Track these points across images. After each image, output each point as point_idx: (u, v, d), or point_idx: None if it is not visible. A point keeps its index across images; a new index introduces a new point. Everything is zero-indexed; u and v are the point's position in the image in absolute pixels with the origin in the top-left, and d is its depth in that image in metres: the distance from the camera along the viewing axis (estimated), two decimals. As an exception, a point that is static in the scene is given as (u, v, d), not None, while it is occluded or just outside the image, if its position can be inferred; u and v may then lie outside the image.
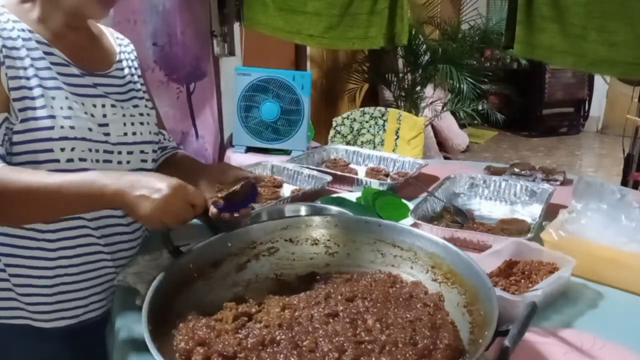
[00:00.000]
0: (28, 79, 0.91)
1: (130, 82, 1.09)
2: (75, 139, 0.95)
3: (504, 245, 1.08)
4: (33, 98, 0.91)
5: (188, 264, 0.88)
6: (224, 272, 0.92)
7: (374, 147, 2.49)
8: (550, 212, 1.27)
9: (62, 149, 0.93)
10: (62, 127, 0.93)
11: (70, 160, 0.95)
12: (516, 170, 1.64)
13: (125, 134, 1.04)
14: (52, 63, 0.95)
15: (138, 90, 1.09)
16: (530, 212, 1.39)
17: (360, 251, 0.98)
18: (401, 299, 0.83)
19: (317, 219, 1.02)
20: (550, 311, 0.95)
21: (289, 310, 0.81)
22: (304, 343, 0.72)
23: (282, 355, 0.70)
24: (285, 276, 0.96)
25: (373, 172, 1.67)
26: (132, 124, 1.06)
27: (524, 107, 5.42)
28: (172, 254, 0.89)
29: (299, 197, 1.40)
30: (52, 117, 0.92)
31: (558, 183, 1.58)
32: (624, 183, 2.84)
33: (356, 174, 1.67)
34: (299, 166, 1.60)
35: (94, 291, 1.06)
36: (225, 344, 0.72)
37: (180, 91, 2.63)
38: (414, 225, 1.25)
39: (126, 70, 1.09)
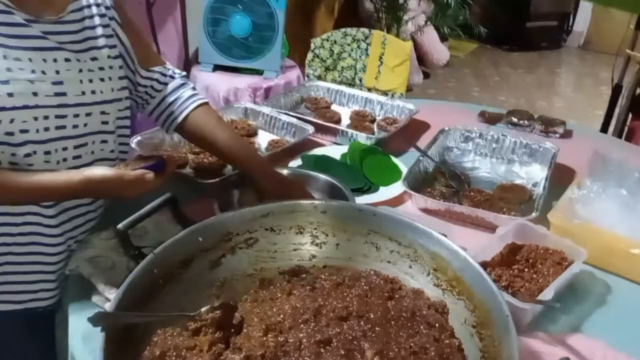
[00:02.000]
0: None
1: (86, 27, 0.88)
2: (13, 108, 0.77)
3: (505, 229, 0.97)
4: None
5: (151, 269, 0.74)
6: (195, 272, 0.79)
7: (355, 74, 2.30)
8: (554, 178, 1.16)
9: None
10: None
11: (9, 134, 0.78)
12: (514, 119, 1.50)
13: (84, 92, 0.85)
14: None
15: (97, 38, 0.89)
16: (529, 175, 1.27)
17: (352, 242, 0.86)
18: (402, 318, 0.72)
19: (303, 204, 0.88)
20: (558, 310, 0.87)
21: (272, 333, 0.70)
22: None
23: None
24: (266, 271, 0.84)
25: (358, 118, 1.51)
26: (91, 80, 0.87)
27: (508, 20, 5.17)
28: (132, 259, 0.75)
29: (278, 154, 1.25)
30: None
31: (557, 135, 1.46)
32: (609, 116, 2.74)
33: (339, 119, 1.51)
34: (276, 111, 1.42)
35: (45, 277, 0.93)
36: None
37: (139, 2, 2.34)
38: (405, 194, 1.14)
39: (85, 12, 0.88)
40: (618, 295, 0.91)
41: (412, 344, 0.68)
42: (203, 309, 0.71)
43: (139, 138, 1.22)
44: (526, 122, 1.49)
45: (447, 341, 0.69)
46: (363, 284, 0.78)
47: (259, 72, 2.53)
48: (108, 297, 0.83)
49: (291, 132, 1.38)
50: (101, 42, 0.90)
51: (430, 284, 0.79)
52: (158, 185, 0.87)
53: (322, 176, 1.08)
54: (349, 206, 0.89)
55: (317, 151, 1.29)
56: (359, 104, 1.59)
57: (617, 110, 2.68)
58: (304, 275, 0.83)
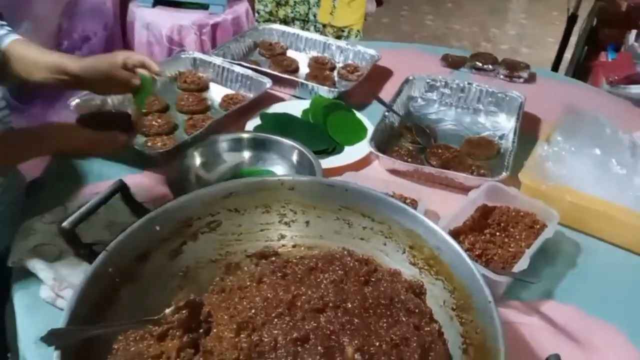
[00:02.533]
0: None
1: None
2: None
3: (477, 191, 0.94)
4: None
5: (106, 269, 0.67)
6: (154, 266, 0.72)
7: (309, 9, 2.15)
8: (520, 128, 1.13)
9: None
10: None
11: None
12: (477, 64, 1.45)
13: None
14: None
15: None
16: (496, 125, 1.24)
17: (323, 219, 0.81)
18: (381, 306, 0.68)
19: (268, 182, 0.81)
20: (530, 276, 0.86)
21: (244, 332, 0.65)
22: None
23: None
24: (232, 255, 0.79)
25: (317, 65, 1.42)
26: None
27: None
28: (82, 258, 0.68)
29: (235, 112, 1.15)
30: None
31: (522, 80, 1.42)
32: (562, 49, 2.72)
33: (297, 67, 1.41)
34: (229, 62, 1.31)
35: None
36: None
37: None
38: (372, 155, 1.08)
39: None
40: (590, 256, 0.91)
41: (392, 336, 0.64)
42: (167, 311, 0.65)
43: (77, 100, 1.09)
44: (490, 66, 1.44)
45: (428, 328, 0.67)
46: (337, 267, 0.74)
47: (203, 7, 2.36)
48: (59, 294, 0.76)
49: (246, 85, 1.28)
50: None
51: (406, 262, 0.76)
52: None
53: (286, 141, 1.00)
54: (319, 182, 0.82)
55: (277, 108, 1.20)
56: (317, 49, 1.49)
57: (572, 40, 2.67)
58: (273, 258, 0.78)
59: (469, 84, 1.29)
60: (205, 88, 1.29)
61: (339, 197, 0.80)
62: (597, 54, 2.11)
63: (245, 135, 1.03)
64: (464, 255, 0.69)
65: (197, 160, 0.97)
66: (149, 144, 1.06)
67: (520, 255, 0.85)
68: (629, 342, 0.77)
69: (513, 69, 1.43)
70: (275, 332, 0.64)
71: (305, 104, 1.22)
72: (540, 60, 3.58)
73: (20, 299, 0.78)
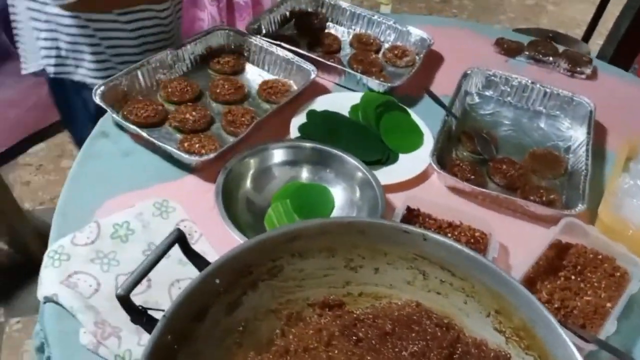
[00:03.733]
0: None
1: None
2: None
3: (555, 229, 0.86)
4: None
5: (165, 336, 0.58)
6: (212, 323, 0.64)
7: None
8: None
9: None
10: None
11: None
12: (536, 55, 1.32)
13: None
14: None
15: None
16: (558, 134, 1.13)
17: (394, 267, 0.72)
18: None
19: (336, 223, 0.72)
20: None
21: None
22: None
23: None
24: (293, 304, 0.70)
25: (361, 46, 1.28)
26: None
27: None
28: (136, 323, 0.59)
29: (281, 108, 1.03)
30: None
31: (584, 77, 1.30)
32: (597, 16, 2.55)
33: (339, 46, 1.27)
34: (267, 42, 1.17)
35: None
36: None
37: None
38: (430, 168, 0.98)
39: None
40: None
41: None
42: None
43: (102, 88, 0.96)
44: (550, 58, 1.31)
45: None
46: (416, 335, 0.66)
47: None
48: (102, 342, 0.68)
49: (287, 70, 1.15)
50: None
51: (490, 327, 0.68)
52: None
53: (349, 159, 0.89)
54: (393, 226, 0.73)
55: (323, 102, 1.07)
56: (361, 24, 1.34)
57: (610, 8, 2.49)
58: (339, 312, 0.70)
59: (532, 83, 1.17)
60: (241, 71, 1.16)
61: (415, 244, 0.71)
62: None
63: (303, 145, 0.91)
64: (564, 335, 0.62)
65: (248, 177, 0.86)
66: (185, 144, 0.94)
67: (602, 310, 0.78)
68: None
69: (575, 63, 1.30)
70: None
71: (354, 98, 1.10)
72: (568, 20, 3.39)
73: (56, 343, 0.70)
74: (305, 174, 0.90)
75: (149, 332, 0.57)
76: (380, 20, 1.32)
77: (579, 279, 0.84)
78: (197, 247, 0.79)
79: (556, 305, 0.78)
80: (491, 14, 3.43)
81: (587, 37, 2.62)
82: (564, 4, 3.62)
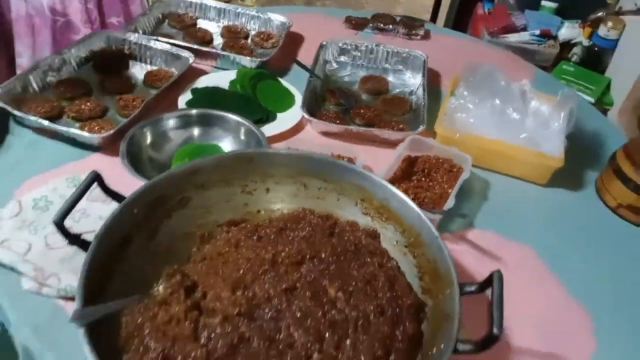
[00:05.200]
0: None
1: None
2: None
3: (403, 145, 1.08)
4: None
5: (97, 255, 0.71)
6: (136, 247, 0.77)
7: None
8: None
9: None
10: None
11: None
12: (379, 24, 1.57)
13: None
14: None
15: None
16: (403, 83, 1.39)
17: (281, 185, 0.90)
18: (349, 252, 0.80)
19: (228, 157, 0.89)
20: (453, 210, 1.02)
21: (239, 290, 0.74)
22: (280, 337, 0.68)
23: (262, 358, 0.66)
24: (204, 227, 0.86)
25: (231, 35, 1.46)
26: None
27: None
28: (73, 244, 0.71)
29: (167, 90, 1.17)
30: None
31: (419, 37, 1.57)
32: (436, 12, 2.93)
33: (211, 38, 1.44)
34: (146, 38, 1.31)
35: None
36: (196, 357, 0.65)
37: None
38: (304, 120, 1.18)
39: None
40: (499, 189, 1.10)
41: (364, 275, 0.77)
42: (160, 286, 0.72)
43: (-2, 91, 1.06)
44: (390, 26, 1.57)
45: (389, 264, 0.80)
46: (304, 225, 0.85)
47: None
48: (44, 283, 0.79)
49: (167, 61, 1.29)
50: None
51: (360, 213, 0.88)
52: None
53: (232, 116, 1.06)
54: (274, 153, 0.91)
55: (204, 81, 1.24)
56: (228, 18, 1.52)
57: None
58: (243, 225, 0.87)
59: (376, 45, 1.42)
60: (125, 67, 1.29)
61: (294, 164, 0.90)
62: (473, 4, 2.32)
63: (191, 112, 1.07)
64: (409, 201, 0.83)
65: (147, 140, 1.00)
66: (86, 128, 1.06)
67: (446, 196, 1.01)
68: (539, 257, 0.96)
69: (411, 27, 1.57)
70: (266, 286, 0.74)
71: (230, 75, 1.27)
72: (418, 9, 3.82)
73: (3, 294, 0.80)
74: (197, 135, 1.06)
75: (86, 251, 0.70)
76: (244, 12, 1.51)
77: (427, 179, 1.07)
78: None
79: (411, 197, 1.00)
80: (351, 9, 3.78)
81: (433, 19, 3.01)
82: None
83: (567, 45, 1.85)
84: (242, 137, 1.05)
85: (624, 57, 1.73)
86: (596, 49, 1.78)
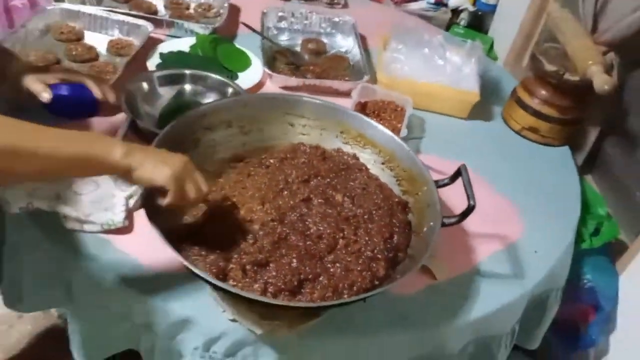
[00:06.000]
0: None
1: None
2: None
3: (355, 92, 1.29)
4: None
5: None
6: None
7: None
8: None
9: None
10: None
11: None
12: (306, -6, 1.76)
13: None
14: None
15: None
16: (336, 44, 1.59)
17: (272, 125, 1.06)
18: (342, 171, 0.99)
19: (228, 102, 1.03)
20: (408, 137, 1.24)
21: (266, 204, 0.90)
22: (310, 232, 0.86)
23: (301, 246, 0.83)
24: (214, 165, 0.99)
25: (175, 6, 1.55)
26: None
27: None
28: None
29: (137, 58, 1.26)
30: None
31: (340, 6, 1.78)
32: None
33: (157, 9, 1.52)
34: (101, 9, 1.37)
35: None
36: (251, 252, 0.80)
37: None
38: (264, 77, 1.33)
39: None
40: (433, 124, 1.34)
41: (358, 184, 0.97)
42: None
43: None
44: (317, -2, 1.76)
45: (373, 177, 1.01)
46: (301, 154, 1.02)
47: None
48: (84, 220, 0.88)
49: (124, 31, 1.37)
50: None
51: (340, 142, 1.07)
52: None
53: (213, 75, 1.19)
54: (264, 97, 1.07)
55: (165, 48, 1.34)
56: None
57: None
58: (247, 159, 1.02)
59: (309, 13, 1.60)
60: (82, 37, 1.34)
61: (281, 106, 1.06)
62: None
63: (181, 72, 1.19)
64: (382, 127, 1.04)
65: (139, 98, 1.10)
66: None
67: (397, 129, 1.23)
68: (470, 168, 1.22)
69: (332, -2, 1.77)
70: (286, 199, 0.91)
71: (188, 41, 1.38)
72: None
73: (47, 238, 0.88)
74: (184, 92, 1.18)
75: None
76: (182, -15, 1.61)
77: (379, 119, 1.28)
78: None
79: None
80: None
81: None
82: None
83: (456, 12, 2.17)
84: (226, 91, 1.18)
85: (502, 19, 2.08)
86: (480, 13, 2.12)
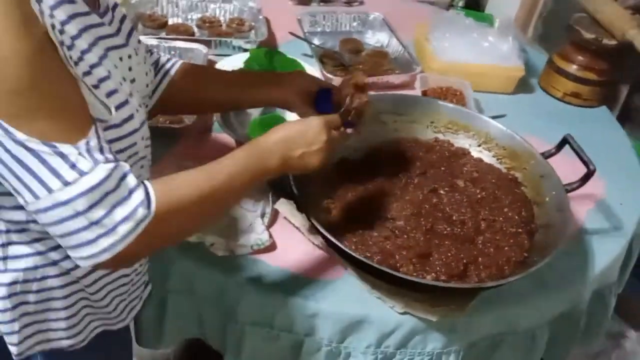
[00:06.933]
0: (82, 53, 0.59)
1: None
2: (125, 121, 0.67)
3: (417, 82, 1.35)
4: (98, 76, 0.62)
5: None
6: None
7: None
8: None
9: (142, 138, 0.69)
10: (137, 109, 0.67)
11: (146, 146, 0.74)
12: (325, -5, 1.80)
13: (147, 85, 0.79)
14: (74, 12, 0.61)
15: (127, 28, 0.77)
16: (370, 40, 1.64)
17: (367, 126, 1.09)
18: (449, 158, 1.05)
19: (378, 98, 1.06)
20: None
21: (399, 200, 0.95)
22: (453, 218, 0.91)
23: (450, 233, 0.89)
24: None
25: (210, 25, 1.56)
26: (146, 73, 0.81)
27: None
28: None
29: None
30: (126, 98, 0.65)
31: (357, 3, 1.83)
32: None
33: (193, 31, 1.53)
34: (147, 38, 1.37)
35: None
36: (410, 246, 0.85)
37: None
38: (326, 78, 1.37)
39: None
40: (487, 101, 1.41)
41: (470, 169, 1.03)
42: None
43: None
44: (332, -4, 1.81)
45: (477, 159, 1.07)
46: (405, 149, 1.07)
47: None
48: (233, 248, 0.91)
49: (180, 55, 1.37)
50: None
51: (432, 132, 1.13)
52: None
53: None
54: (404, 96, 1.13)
55: (223, 66, 1.36)
56: (197, 11, 1.61)
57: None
58: (353, 164, 1.05)
59: (340, 14, 1.64)
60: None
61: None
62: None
63: None
64: (472, 111, 1.11)
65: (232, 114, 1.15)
66: (168, 122, 1.15)
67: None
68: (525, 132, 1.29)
69: (348, -2, 1.82)
70: (415, 193, 0.97)
71: (239, 58, 1.40)
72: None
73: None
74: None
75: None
76: (209, 4, 1.62)
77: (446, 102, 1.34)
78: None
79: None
80: None
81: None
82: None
83: (453, -7, 2.26)
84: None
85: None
86: (476, -8, 2.22)
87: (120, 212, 0.58)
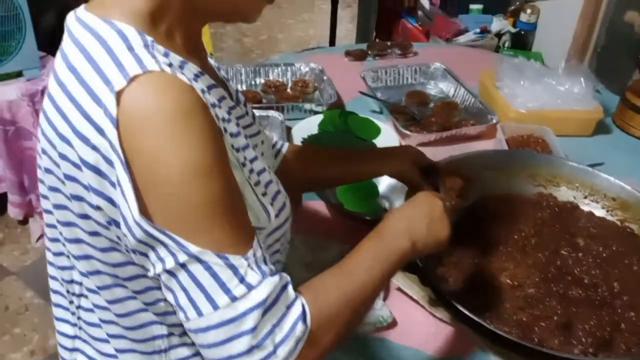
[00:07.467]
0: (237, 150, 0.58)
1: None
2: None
3: (499, 133, 1.32)
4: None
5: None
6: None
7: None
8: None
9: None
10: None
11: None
12: (379, 52, 1.80)
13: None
14: (229, 107, 0.61)
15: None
16: (433, 90, 1.63)
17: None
18: (562, 215, 1.01)
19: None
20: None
21: (521, 264, 0.90)
22: (585, 281, 0.87)
23: (585, 299, 0.84)
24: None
25: (277, 90, 1.56)
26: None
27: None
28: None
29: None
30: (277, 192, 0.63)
31: (412, 55, 1.83)
32: (333, 25, 3.20)
33: (261, 97, 1.54)
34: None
35: None
36: (549, 316, 0.81)
37: None
38: (400, 134, 1.35)
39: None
40: (570, 147, 1.37)
41: (584, 224, 0.99)
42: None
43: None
44: (388, 50, 1.81)
45: (588, 213, 1.03)
46: (509, 206, 1.03)
47: (15, 75, 2.15)
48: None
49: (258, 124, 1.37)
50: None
51: (532, 186, 1.09)
52: None
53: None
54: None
55: (301, 130, 1.35)
56: (260, 77, 1.62)
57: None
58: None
59: (401, 67, 1.64)
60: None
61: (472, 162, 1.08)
62: (391, 25, 2.65)
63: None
64: (575, 163, 1.07)
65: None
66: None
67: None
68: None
69: (403, 48, 1.82)
70: (535, 255, 0.92)
71: (314, 121, 1.39)
72: (300, 41, 4.07)
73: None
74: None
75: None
76: (269, 64, 1.63)
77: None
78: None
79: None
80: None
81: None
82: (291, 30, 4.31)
83: (498, 35, 2.25)
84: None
85: (547, 34, 2.18)
86: (522, 32, 2.21)
87: (279, 332, 0.54)
